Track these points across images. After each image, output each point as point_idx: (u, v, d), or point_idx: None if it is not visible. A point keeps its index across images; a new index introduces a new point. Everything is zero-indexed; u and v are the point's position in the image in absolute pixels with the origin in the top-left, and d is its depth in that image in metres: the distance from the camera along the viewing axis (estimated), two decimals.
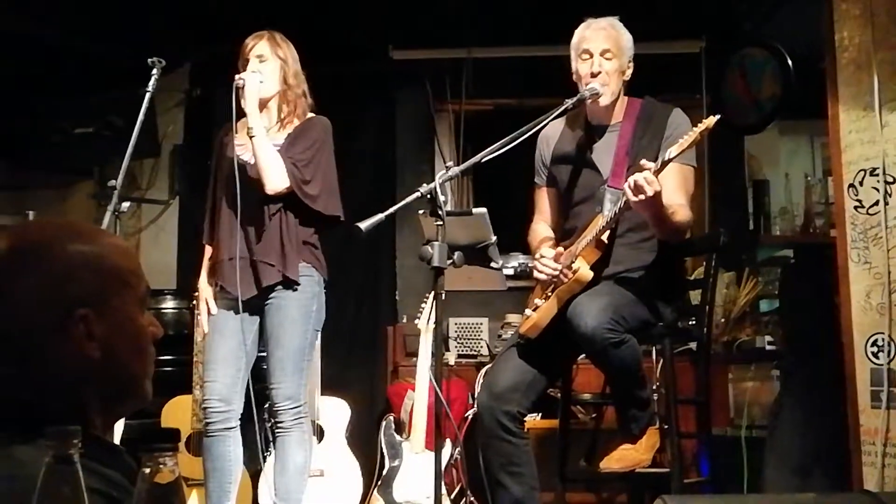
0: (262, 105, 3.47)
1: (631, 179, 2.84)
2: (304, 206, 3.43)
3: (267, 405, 3.60)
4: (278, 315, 3.40)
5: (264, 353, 3.48)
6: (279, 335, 3.39)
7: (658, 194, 2.83)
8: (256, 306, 3.43)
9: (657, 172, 2.82)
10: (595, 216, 3.20)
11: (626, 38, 3.25)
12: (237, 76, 3.39)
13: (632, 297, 3.07)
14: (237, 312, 3.42)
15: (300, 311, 3.41)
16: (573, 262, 3.10)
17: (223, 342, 3.44)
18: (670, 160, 2.83)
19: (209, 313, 3.49)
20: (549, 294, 3.15)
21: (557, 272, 3.13)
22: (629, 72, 3.26)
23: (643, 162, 2.88)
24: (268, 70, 3.47)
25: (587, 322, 2.91)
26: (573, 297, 3.04)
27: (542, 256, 3.21)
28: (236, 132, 3.39)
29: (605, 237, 3.10)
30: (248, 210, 3.42)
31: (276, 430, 3.43)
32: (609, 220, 3.03)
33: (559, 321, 3.07)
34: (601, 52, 3.18)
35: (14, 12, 4.55)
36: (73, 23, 4.81)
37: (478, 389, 4.63)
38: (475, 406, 3.28)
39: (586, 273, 3.05)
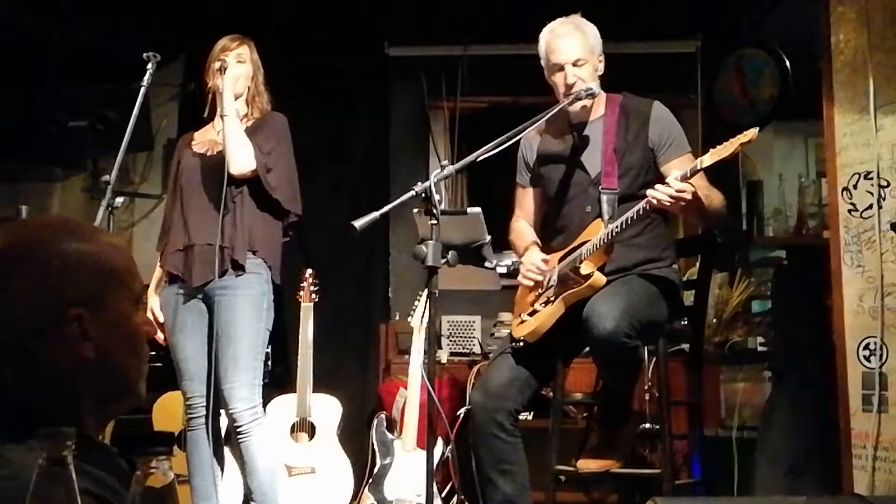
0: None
1: (666, 190, 2.85)
2: (261, 197, 3.45)
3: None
4: (228, 312, 3.39)
5: None
6: (231, 332, 3.38)
7: (695, 195, 2.86)
8: (208, 298, 3.43)
9: (686, 181, 2.85)
10: (585, 216, 3.20)
11: (593, 34, 3.23)
12: (221, 59, 3.48)
13: (644, 298, 3.08)
14: (188, 300, 3.45)
15: (251, 307, 3.40)
16: (580, 267, 3.09)
17: (188, 340, 3.47)
18: (701, 169, 2.84)
19: (157, 321, 3.51)
20: (552, 299, 3.14)
21: (543, 278, 3.14)
22: (601, 65, 3.26)
23: (675, 172, 2.91)
24: (244, 72, 3.58)
25: (606, 325, 2.89)
26: (580, 302, 3.04)
27: (530, 262, 3.20)
28: (220, 114, 3.45)
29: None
30: (204, 200, 3.47)
31: (237, 435, 3.39)
32: (624, 224, 3.00)
33: (563, 324, 3.08)
34: (573, 62, 3.18)
35: (8, 3, 4.53)
36: (68, 15, 4.79)
37: (470, 388, 4.64)
38: (469, 404, 3.28)
39: (600, 279, 3.04)
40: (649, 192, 2.89)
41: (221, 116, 3.42)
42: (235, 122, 3.44)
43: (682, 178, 2.84)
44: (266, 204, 3.47)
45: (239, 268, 3.38)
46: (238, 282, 3.39)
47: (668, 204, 2.85)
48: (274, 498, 3.43)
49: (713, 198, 3.08)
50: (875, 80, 3.11)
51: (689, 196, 2.83)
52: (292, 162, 3.58)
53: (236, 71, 3.50)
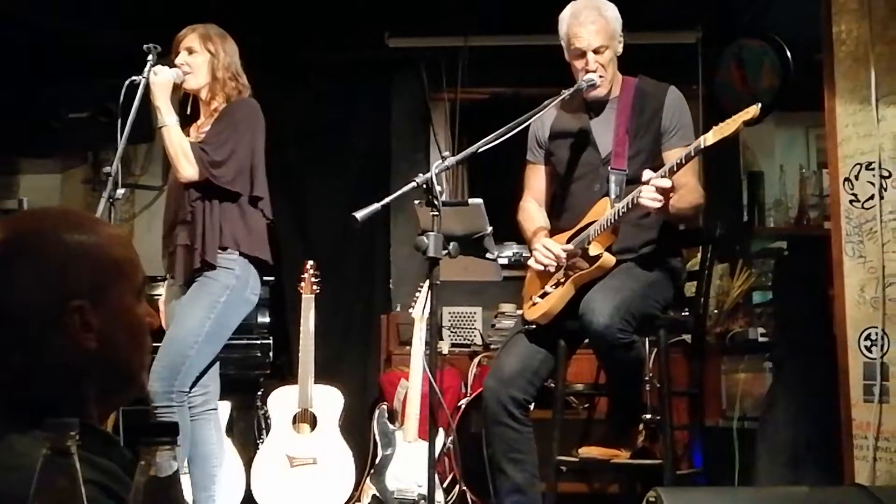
0: (195, 95, 3.56)
1: (646, 190, 2.90)
2: (224, 192, 3.42)
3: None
4: (187, 297, 3.42)
5: (233, 341, 3.54)
6: (177, 314, 3.41)
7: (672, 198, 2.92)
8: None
9: (689, 160, 2.88)
10: (593, 195, 3.23)
11: (614, 18, 3.23)
12: (139, 76, 3.38)
13: (641, 291, 3.11)
14: (180, 294, 3.48)
15: (207, 297, 3.39)
16: (588, 249, 3.11)
17: None
18: (705, 148, 2.87)
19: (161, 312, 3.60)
20: (562, 281, 3.16)
21: (557, 261, 3.15)
22: (620, 47, 3.27)
23: (646, 172, 2.94)
24: (196, 63, 3.51)
25: (599, 320, 2.95)
26: (591, 283, 3.06)
27: (543, 246, 3.21)
28: (121, 129, 3.34)
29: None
30: (177, 201, 3.48)
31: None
32: (627, 208, 3.03)
33: (572, 307, 3.09)
34: (594, 49, 3.18)
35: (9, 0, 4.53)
36: (70, 8, 4.78)
37: (471, 379, 4.65)
38: (483, 391, 3.30)
39: (609, 259, 3.09)
40: (640, 199, 2.94)
41: (159, 128, 3.38)
42: (172, 132, 3.37)
43: (684, 159, 2.90)
44: (228, 197, 3.44)
45: (210, 267, 3.38)
46: (205, 275, 3.40)
47: (653, 203, 2.90)
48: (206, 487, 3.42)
49: (692, 199, 3.15)
50: (877, 70, 3.09)
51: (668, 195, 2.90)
52: (253, 147, 3.49)
53: (163, 77, 3.37)
